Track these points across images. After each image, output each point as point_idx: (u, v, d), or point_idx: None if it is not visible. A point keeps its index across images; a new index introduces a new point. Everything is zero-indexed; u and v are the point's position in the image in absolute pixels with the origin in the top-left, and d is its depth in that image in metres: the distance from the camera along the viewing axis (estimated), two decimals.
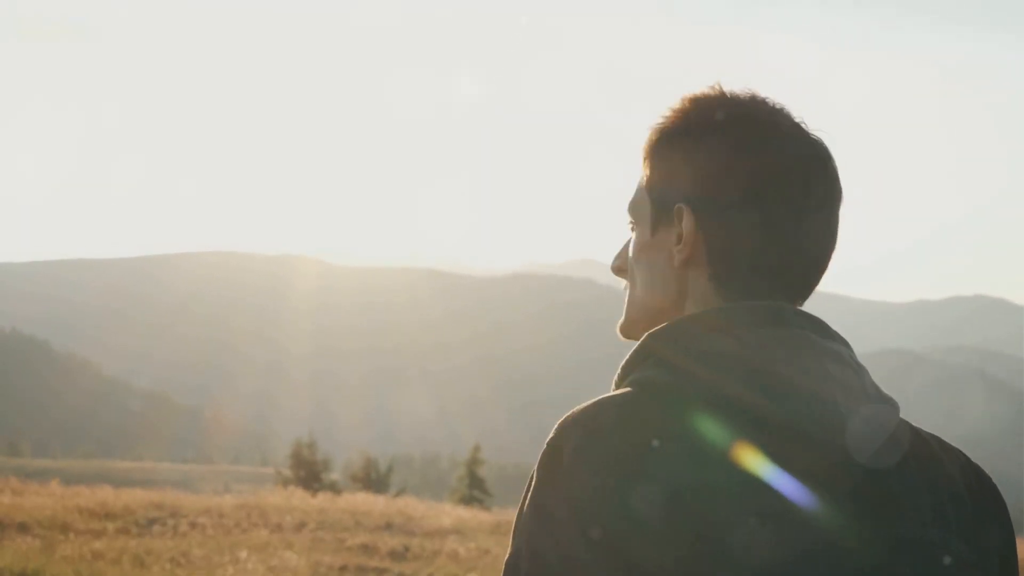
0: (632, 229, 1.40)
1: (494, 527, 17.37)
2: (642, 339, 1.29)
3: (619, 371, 1.31)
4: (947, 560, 1.22)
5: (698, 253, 1.31)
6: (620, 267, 1.43)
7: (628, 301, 1.40)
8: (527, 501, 1.18)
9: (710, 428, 1.15)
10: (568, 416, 1.19)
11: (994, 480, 1.31)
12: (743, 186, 1.29)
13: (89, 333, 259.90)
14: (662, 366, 1.24)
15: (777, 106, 1.35)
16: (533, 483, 1.18)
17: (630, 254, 1.40)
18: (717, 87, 1.36)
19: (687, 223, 1.30)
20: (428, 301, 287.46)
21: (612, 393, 1.23)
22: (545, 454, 1.18)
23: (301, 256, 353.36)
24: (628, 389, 1.23)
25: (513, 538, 1.19)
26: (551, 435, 1.18)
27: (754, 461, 1.13)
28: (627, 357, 1.30)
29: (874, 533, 1.19)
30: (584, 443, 1.15)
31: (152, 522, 14.53)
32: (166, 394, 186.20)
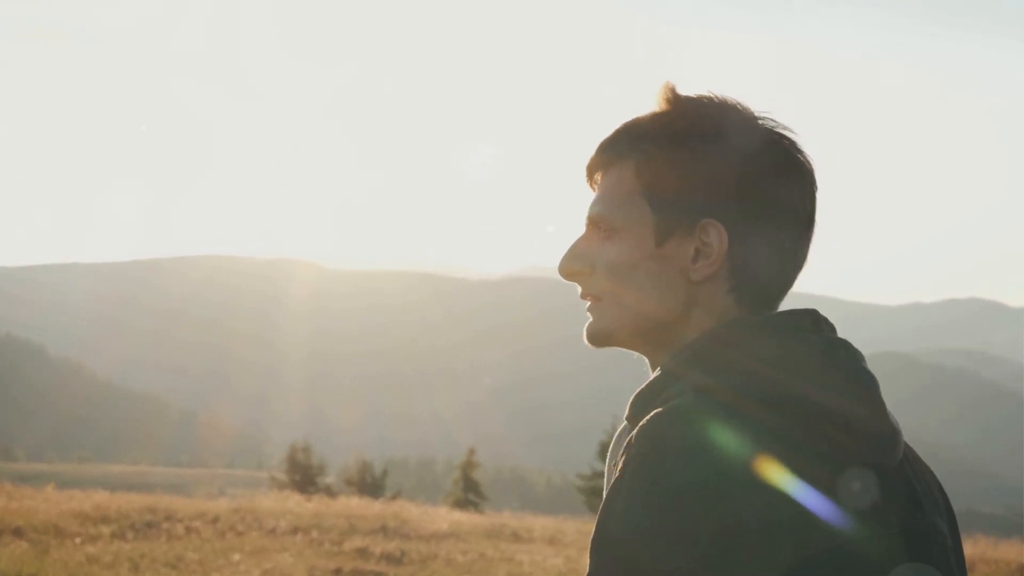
0: (603, 230, 1.33)
1: (489, 530, 17.36)
2: (696, 348, 1.26)
3: (661, 378, 1.27)
4: (948, 546, 1.30)
5: (722, 268, 1.29)
6: (582, 270, 1.35)
7: (613, 306, 1.33)
8: (616, 513, 1.15)
9: (776, 438, 1.17)
10: (651, 427, 1.17)
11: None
12: (765, 198, 1.28)
13: (84, 337, 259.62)
14: (722, 375, 1.22)
15: (768, 115, 1.33)
16: (625, 497, 1.14)
17: (611, 258, 1.32)
18: (707, 92, 1.33)
19: (717, 239, 1.27)
20: (424, 305, 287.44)
21: (687, 403, 1.19)
22: (635, 466, 1.15)
23: (297, 260, 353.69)
24: (698, 399, 1.19)
25: (598, 550, 1.16)
26: (637, 446, 1.16)
27: (813, 466, 1.16)
28: (675, 362, 1.27)
29: (909, 524, 1.24)
30: (669, 455, 1.14)
31: (147, 526, 14.49)
32: (161, 398, 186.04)
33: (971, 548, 17.82)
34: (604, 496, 1.21)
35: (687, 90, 1.33)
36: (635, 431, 1.18)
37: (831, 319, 1.31)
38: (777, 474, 1.14)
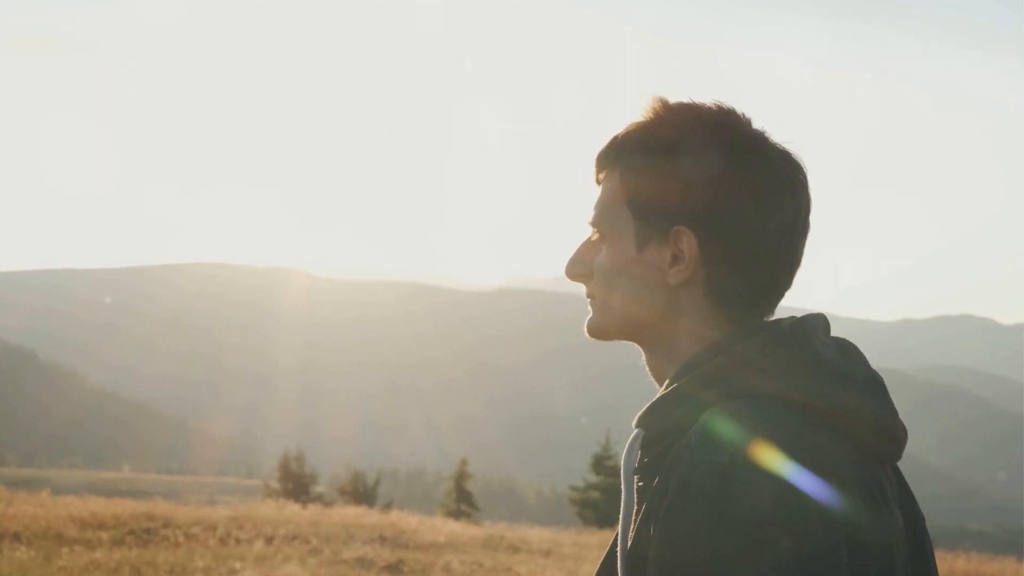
0: (600, 237, 1.42)
1: (486, 541, 17.39)
2: (715, 362, 1.31)
3: (677, 396, 1.31)
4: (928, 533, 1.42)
5: (696, 273, 1.34)
6: (583, 273, 1.43)
7: (602, 306, 1.41)
8: (692, 537, 1.18)
9: (817, 445, 1.22)
10: (717, 447, 1.20)
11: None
12: (745, 206, 1.32)
13: (76, 344, 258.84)
14: (753, 384, 1.27)
15: (753, 119, 1.38)
16: (699, 522, 1.18)
17: (601, 262, 1.40)
18: (692, 99, 1.37)
19: (689, 246, 1.33)
20: (417, 315, 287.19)
21: (728, 419, 1.23)
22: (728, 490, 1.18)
23: (290, 269, 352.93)
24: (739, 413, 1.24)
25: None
26: (702, 470, 1.19)
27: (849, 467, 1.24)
28: (695, 381, 1.31)
29: (907, 513, 1.36)
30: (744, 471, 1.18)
31: (146, 533, 14.49)
32: (152, 405, 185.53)
33: (965, 563, 17.91)
34: (641, 511, 1.26)
35: (678, 99, 1.38)
36: (690, 446, 1.22)
37: None
38: (826, 482, 1.18)
